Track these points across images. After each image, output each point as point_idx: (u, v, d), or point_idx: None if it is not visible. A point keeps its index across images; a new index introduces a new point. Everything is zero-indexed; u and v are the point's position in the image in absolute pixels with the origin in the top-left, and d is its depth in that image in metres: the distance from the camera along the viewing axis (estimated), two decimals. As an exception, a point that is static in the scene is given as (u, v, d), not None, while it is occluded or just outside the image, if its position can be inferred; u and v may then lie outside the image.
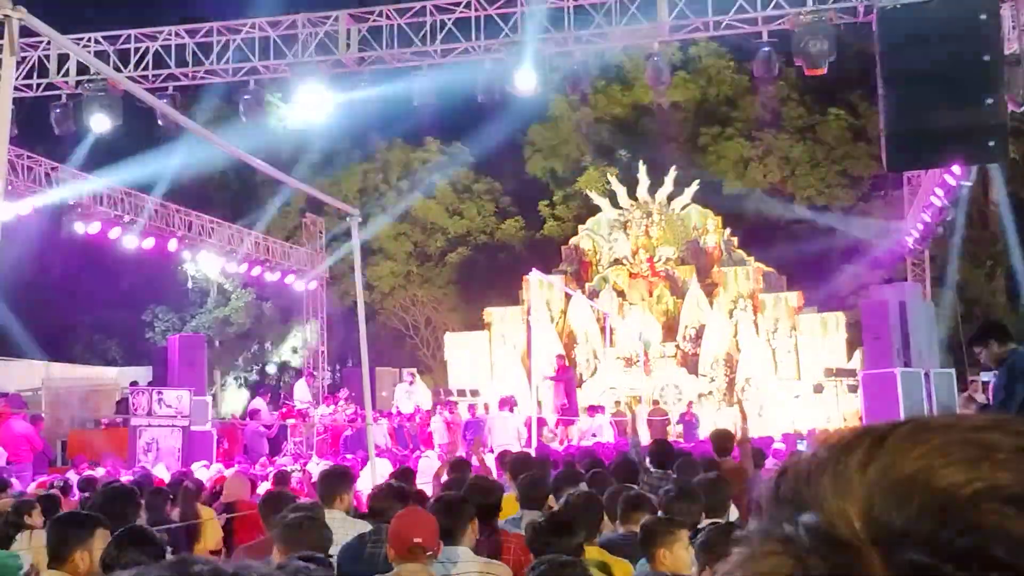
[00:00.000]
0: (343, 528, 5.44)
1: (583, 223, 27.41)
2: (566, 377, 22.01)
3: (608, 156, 32.23)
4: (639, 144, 31.28)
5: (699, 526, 5.02)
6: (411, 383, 22.73)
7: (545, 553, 4.17)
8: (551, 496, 6.54)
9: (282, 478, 10.50)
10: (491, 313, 25.99)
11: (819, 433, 18.17)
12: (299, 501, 6.43)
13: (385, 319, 32.00)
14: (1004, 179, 23.25)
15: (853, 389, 20.97)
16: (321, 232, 28.40)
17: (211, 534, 7.93)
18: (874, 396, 17.04)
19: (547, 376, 21.57)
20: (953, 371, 17.95)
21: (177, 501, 8.03)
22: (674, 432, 21.12)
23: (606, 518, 5.57)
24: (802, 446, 15.26)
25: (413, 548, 3.98)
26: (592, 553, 4.76)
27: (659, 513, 5.20)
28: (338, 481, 6.17)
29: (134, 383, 20.60)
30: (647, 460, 8.54)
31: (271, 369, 32.62)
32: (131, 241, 20.68)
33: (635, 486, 6.79)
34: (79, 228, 19.31)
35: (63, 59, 17.18)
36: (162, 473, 12.80)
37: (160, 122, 17.62)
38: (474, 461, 9.30)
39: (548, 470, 7.80)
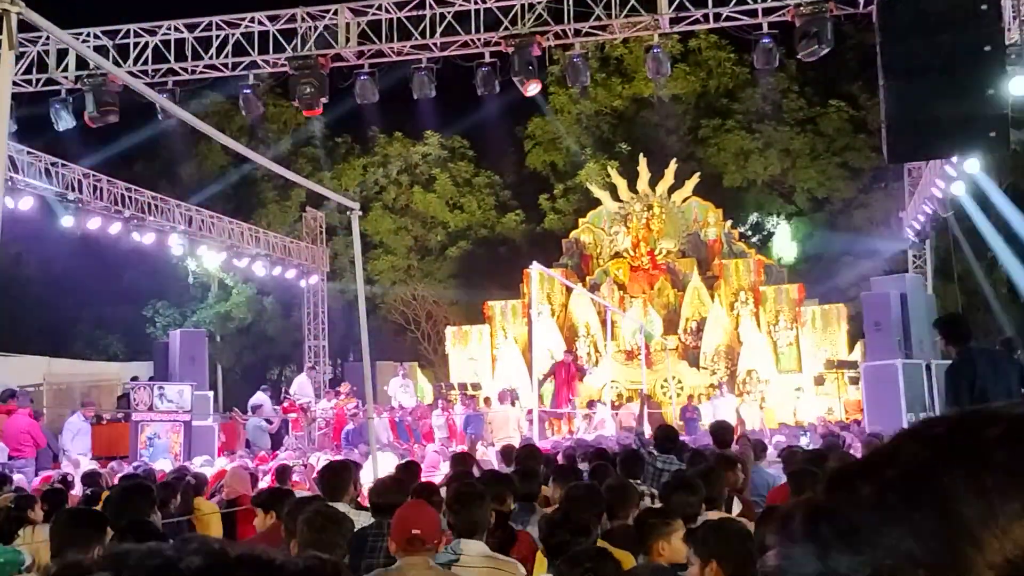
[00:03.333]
0: (345, 521, 5.45)
1: (583, 216, 27.43)
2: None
3: (608, 149, 32.19)
4: (639, 137, 31.26)
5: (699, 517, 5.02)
6: (404, 376, 22.72)
7: (559, 548, 4.18)
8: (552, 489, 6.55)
9: (283, 472, 10.50)
10: (492, 307, 26.01)
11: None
12: (302, 495, 6.44)
13: (386, 313, 32.00)
14: (1006, 170, 23.20)
15: (855, 381, 20.98)
16: (322, 226, 28.38)
17: (212, 529, 7.94)
18: (875, 388, 17.04)
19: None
20: (954, 362, 17.93)
21: (178, 495, 8.05)
22: (675, 425, 21.14)
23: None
24: (804, 439, 15.26)
25: (413, 540, 3.98)
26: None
27: (656, 503, 5.20)
28: (341, 475, 6.18)
29: (134, 378, 20.62)
30: (651, 445, 8.54)
31: (272, 364, 32.62)
32: (131, 236, 20.67)
33: (635, 480, 6.79)
34: (79, 223, 19.29)
35: (62, 54, 17.17)
36: (165, 468, 12.81)
37: (160, 117, 17.64)
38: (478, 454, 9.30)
39: (538, 463, 7.79)
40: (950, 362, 7.28)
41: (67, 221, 19.02)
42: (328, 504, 5.07)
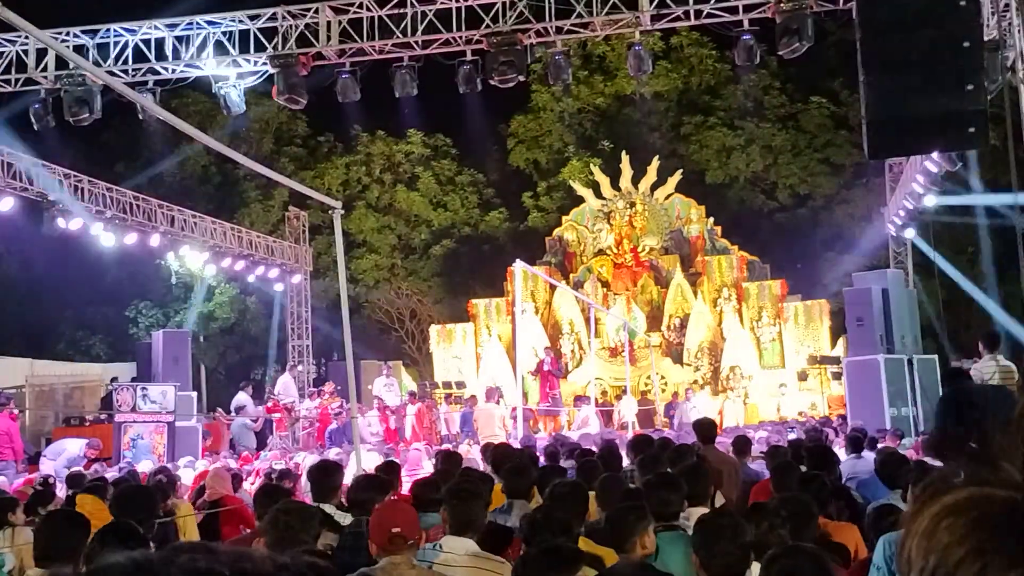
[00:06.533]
0: (332, 522, 5.43)
1: (567, 214, 27.44)
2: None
3: (591, 147, 32.23)
4: (622, 134, 31.30)
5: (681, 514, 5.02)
6: (388, 375, 22.66)
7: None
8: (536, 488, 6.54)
9: (269, 474, 10.46)
10: (476, 305, 26.00)
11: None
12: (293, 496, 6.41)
13: (370, 312, 31.94)
14: (985, 166, 23.33)
15: (837, 376, 21.05)
16: (304, 226, 28.32)
17: (189, 529, 7.90)
18: (858, 383, 17.10)
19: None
20: (936, 357, 18.03)
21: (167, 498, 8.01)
22: (660, 422, 21.21)
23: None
24: (792, 436, 15.30)
25: (395, 538, 3.96)
26: (579, 544, 4.74)
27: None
28: (328, 475, 6.14)
29: (113, 379, 20.53)
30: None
31: (255, 363, 32.49)
32: (113, 236, 20.56)
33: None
34: (61, 224, 19.17)
35: (42, 53, 17.05)
36: (147, 469, 12.74)
37: (140, 116, 17.54)
38: (463, 452, 9.28)
39: (528, 459, 7.78)
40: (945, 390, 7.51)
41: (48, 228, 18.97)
42: (293, 501, 5.03)
